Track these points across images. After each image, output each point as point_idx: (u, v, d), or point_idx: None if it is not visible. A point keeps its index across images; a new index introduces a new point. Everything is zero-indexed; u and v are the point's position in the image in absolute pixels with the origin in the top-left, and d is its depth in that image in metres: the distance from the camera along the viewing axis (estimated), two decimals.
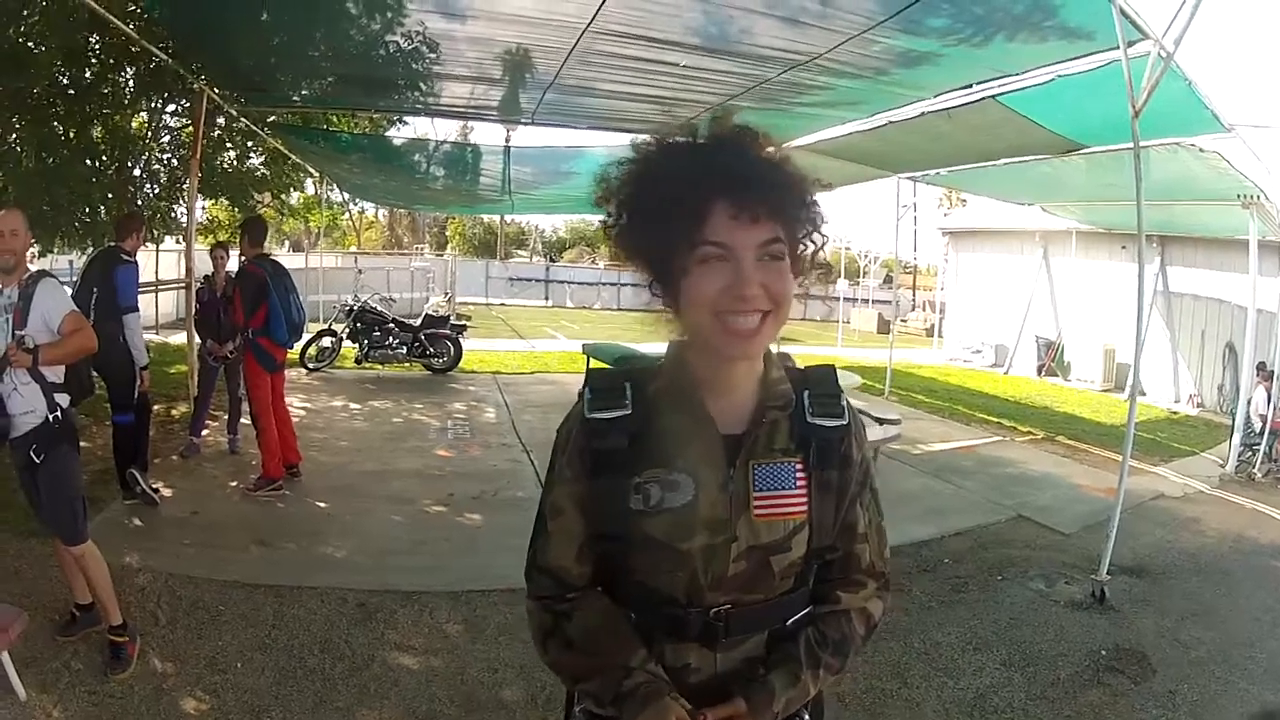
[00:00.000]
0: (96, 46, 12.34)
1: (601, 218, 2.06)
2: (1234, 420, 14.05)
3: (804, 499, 2.04)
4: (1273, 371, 14.12)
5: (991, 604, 7.35)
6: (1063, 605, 7.39)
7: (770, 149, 1.94)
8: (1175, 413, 19.48)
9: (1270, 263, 15.49)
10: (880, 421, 11.03)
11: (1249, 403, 13.78)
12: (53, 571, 6.26)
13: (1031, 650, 6.51)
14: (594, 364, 17.06)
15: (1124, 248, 21.45)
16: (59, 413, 5.38)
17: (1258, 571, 8.75)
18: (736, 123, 1.95)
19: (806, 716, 2.18)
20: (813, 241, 1.95)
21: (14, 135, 12.24)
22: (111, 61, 12.91)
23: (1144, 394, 19.58)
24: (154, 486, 8.82)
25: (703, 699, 1.98)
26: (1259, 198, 13.17)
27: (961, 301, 29.05)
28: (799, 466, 2.05)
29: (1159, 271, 20.59)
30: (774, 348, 2.07)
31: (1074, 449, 14.21)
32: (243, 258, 9.71)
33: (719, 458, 2.00)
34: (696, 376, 2.02)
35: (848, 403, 2.17)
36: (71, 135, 12.87)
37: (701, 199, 1.79)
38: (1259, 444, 13.48)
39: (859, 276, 51.42)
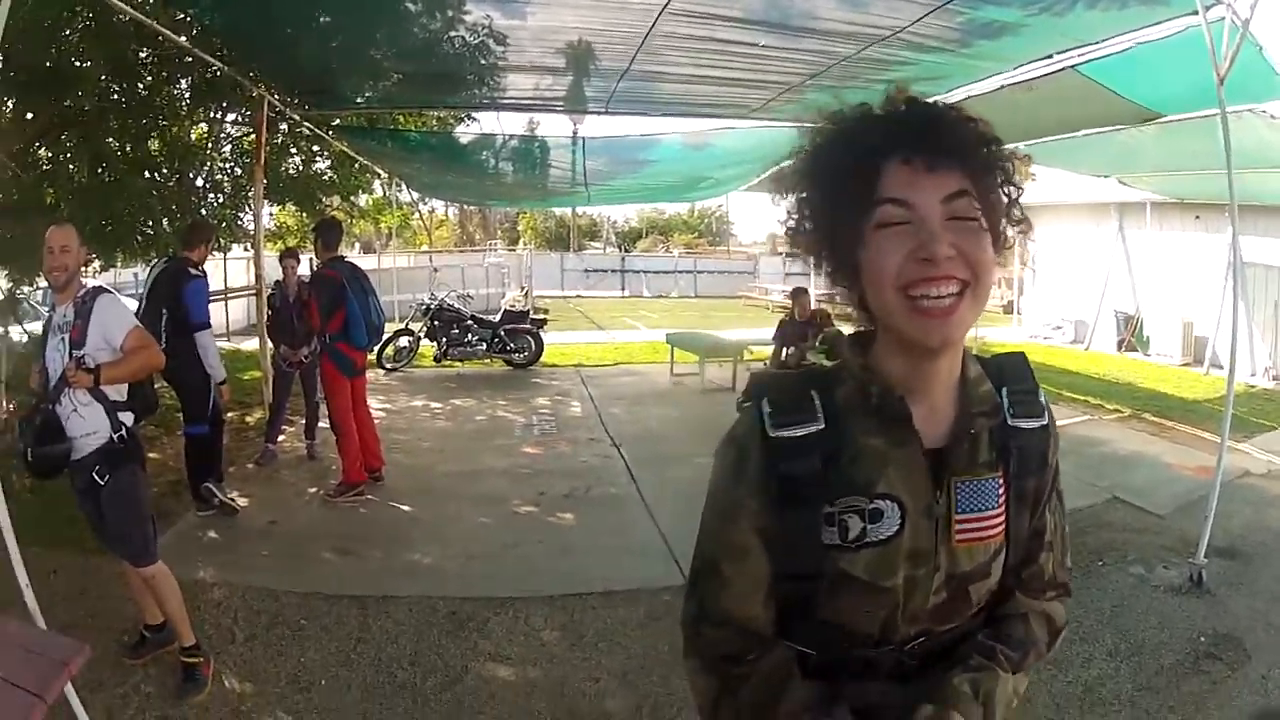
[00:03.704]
0: (147, 59, 12.24)
1: (781, 218, 1.85)
2: None
3: (1002, 518, 1.82)
4: None
5: (1095, 591, 7.11)
6: (1163, 591, 7.17)
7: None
8: (1252, 386, 18.82)
9: None
10: None
11: None
12: (119, 589, 6.08)
13: (1136, 639, 6.31)
14: (678, 354, 17.66)
15: (1197, 218, 21.14)
16: (124, 431, 5.22)
17: None
18: (912, 93, 1.71)
19: None
20: (1006, 194, 1.70)
21: (65, 152, 12.21)
22: (164, 74, 12.83)
23: (1219, 367, 19.29)
24: (230, 496, 8.74)
25: None
26: None
27: (1039, 277, 28.70)
28: (1000, 480, 1.81)
29: (1231, 241, 20.05)
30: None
31: (1160, 426, 13.92)
32: (317, 261, 9.67)
33: (924, 480, 1.74)
34: (892, 379, 1.74)
35: (1045, 398, 1.93)
36: (128, 149, 12.82)
37: (874, 154, 1.61)
38: None
39: None
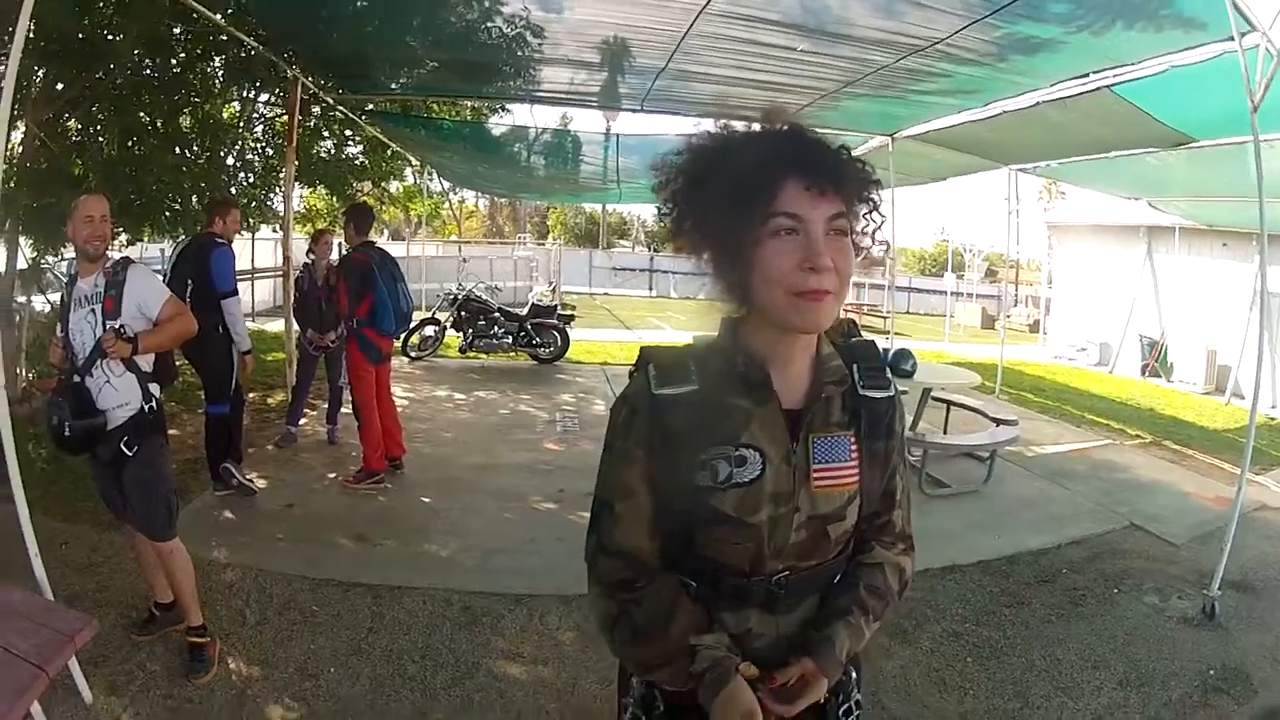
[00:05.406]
0: (181, 35, 12.21)
1: (658, 205, 2.21)
2: None
3: (856, 470, 2.21)
4: None
5: (1109, 618, 7.11)
6: (1175, 621, 7.13)
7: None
8: (1273, 418, 18.67)
9: None
10: (998, 422, 10.96)
11: None
12: (129, 565, 6.16)
13: (1146, 669, 6.28)
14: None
15: (1225, 245, 21.05)
16: (153, 403, 5.28)
17: None
18: (789, 118, 2.09)
19: (854, 671, 2.38)
20: (872, 220, 2.09)
21: (95, 125, 12.17)
22: (198, 51, 12.86)
23: (1241, 397, 19.45)
24: (248, 477, 8.78)
25: (767, 662, 2.13)
26: None
27: (1066, 298, 28.65)
28: (852, 439, 2.21)
29: (1257, 271, 19.95)
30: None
31: (1180, 454, 13.82)
32: (348, 246, 9.65)
33: (782, 433, 2.12)
34: (758, 353, 2.13)
35: (891, 375, 2.34)
36: (158, 124, 12.81)
37: (775, 173, 1.94)
38: None
39: (963, 270, 51.97)
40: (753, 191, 1.95)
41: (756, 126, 2.09)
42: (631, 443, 2.16)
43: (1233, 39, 6.98)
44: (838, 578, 2.30)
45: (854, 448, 2.21)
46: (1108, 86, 9.54)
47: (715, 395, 2.12)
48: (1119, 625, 6.98)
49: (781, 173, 1.94)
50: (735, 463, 2.08)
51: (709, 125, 2.17)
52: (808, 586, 2.23)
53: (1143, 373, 23.40)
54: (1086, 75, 9.51)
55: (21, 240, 10.85)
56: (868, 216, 2.08)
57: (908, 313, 48.69)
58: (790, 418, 2.14)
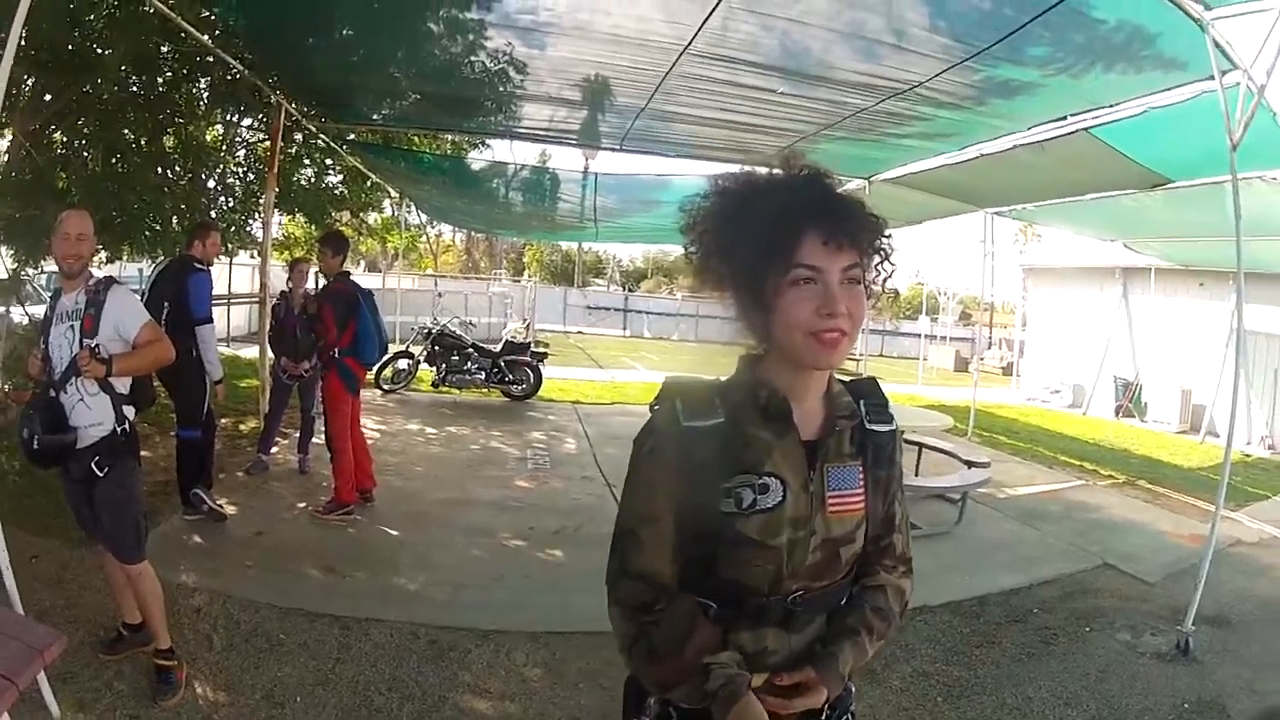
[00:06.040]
0: (169, 54, 12.21)
1: (685, 246, 2.37)
2: None
3: (863, 496, 2.36)
4: None
5: (1081, 656, 7.11)
6: (1149, 657, 7.15)
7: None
8: (1247, 455, 19.02)
9: None
10: (969, 464, 11.02)
11: None
12: (99, 583, 6.10)
13: (1119, 705, 6.29)
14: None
15: (1201, 284, 21.33)
16: (126, 425, 5.24)
17: None
18: (807, 162, 2.27)
19: (852, 686, 2.49)
20: (883, 270, 2.26)
21: (80, 139, 12.14)
22: (185, 71, 12.85)
23: (1216, 435, 19.73)
24: (218, 502, 8.69)
25: None
26: None
27: (1040, 340, 28.98)
28: (859, 468, 2.37)
29: (1234, 309, 19.99)
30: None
31: (1154, 493, 13.93)
32: (326, 274, 9.59)
33: (801, 463, 2.26)
34: (777, 389, 2.26)
35: (893, 410, 2.50)
36: (143, 143, 12.73)
37: (796, 226, 2.11)
38: None
39: (937, 313, 52.17)
40: (775, 243, 2.11)
41: (779, 171, 2.26)
42: (657, 472, 2.27)
43: (1213, 78, 7.09)
44: (845, 599, 2.43)
45: (861, 476, 2.35)
46: (1085, 129, 9.61)
47: (739, 427, 2.23)
48: (1091, 663, 6.99)
49: (802, 226, 2.09)
50: (759, 490, 2.20)
51: (734, 169, 2.35)
52: (819, 605, 2.35)
53: (1117, 413, 23.62)
54: (1064, 118, 9.55)
55: (2, 250, 10.84)
56: (879, 266, 2.24)
57: (881, 355, 49.30)
58: (807, 448, 2.27)
